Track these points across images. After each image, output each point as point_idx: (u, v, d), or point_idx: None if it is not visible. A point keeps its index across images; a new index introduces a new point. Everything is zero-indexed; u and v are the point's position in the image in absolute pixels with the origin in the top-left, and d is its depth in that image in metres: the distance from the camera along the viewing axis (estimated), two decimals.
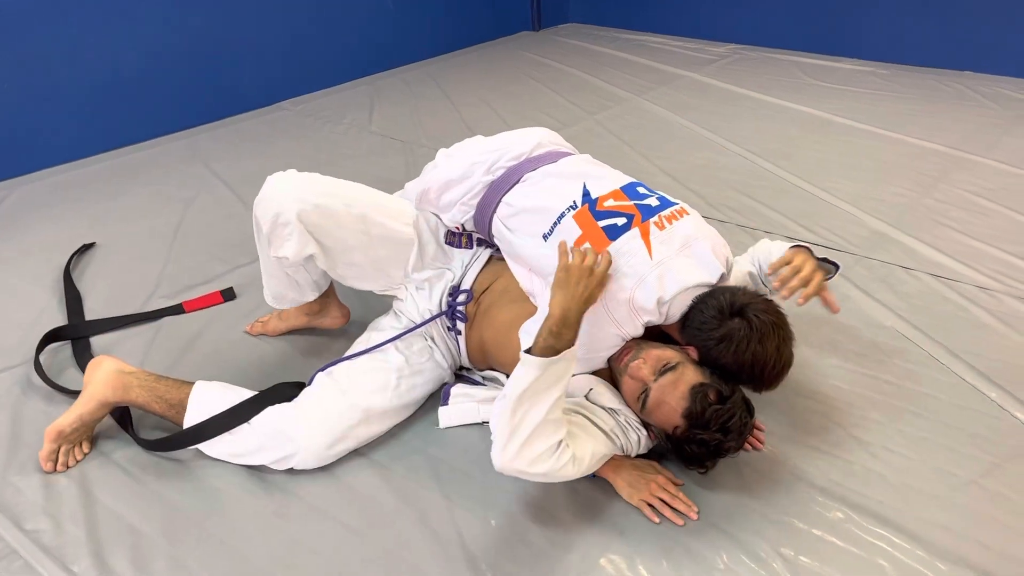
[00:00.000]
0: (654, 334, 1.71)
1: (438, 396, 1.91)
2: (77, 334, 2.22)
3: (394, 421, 1.85)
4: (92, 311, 2.36)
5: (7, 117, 3.25)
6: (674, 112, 3.94)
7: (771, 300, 1.66)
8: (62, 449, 1.74)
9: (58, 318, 2.33)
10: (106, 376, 1.79)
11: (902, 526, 1.56)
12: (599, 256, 1.59)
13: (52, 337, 2.18)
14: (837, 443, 1.78)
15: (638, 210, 1.71)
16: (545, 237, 1.74)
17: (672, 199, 1.78)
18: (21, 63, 3.23)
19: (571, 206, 1.74)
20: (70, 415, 1.75)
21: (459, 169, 1.92)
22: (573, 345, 1.50)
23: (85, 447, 1.79)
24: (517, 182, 1.84)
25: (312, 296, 2.06)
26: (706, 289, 1.64)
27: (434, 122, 3.89)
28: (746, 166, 3.28)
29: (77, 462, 1.77)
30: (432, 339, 1.94)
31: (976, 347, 2.08)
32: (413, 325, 1.93)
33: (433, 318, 1.91)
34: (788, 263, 1.74)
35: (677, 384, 1.55)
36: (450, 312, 1.91)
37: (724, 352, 1.56)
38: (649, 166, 3.29)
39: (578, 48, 5.23)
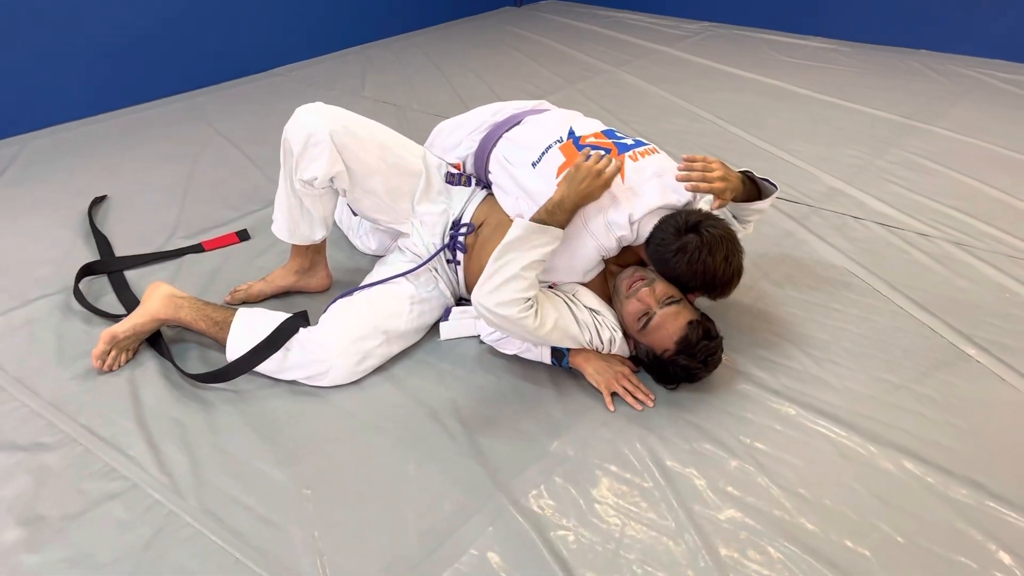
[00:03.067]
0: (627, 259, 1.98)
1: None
2: (110, 268, 2.43)
3: (409, 342, 2.09)
4: (117, 250, 2.57)
5: (21, 74, 3.42)
6: (650, 83, 4.19)
7: (722, 219, 1.91)
8: (112, 353, 1.97)
9: (86, 255, 2.53)
10: (161, 296, 2.05)
11: (842, 419, 1.83)
12: (611, 161, 1.89)
13: (86, 271, 2.38)
14: (789, 356, 2.05)
15: (616, 146, 2.00)
16: (534, 165, 2.02)
17: (645, 140, 2.05)
18: (38, 24, 3.39)
19: (558, 140, 2.04)
20: (125, 324, 1.99)
21: (468, 115, 2.26)
22: (562, 228, 1.82)
23: (130, 354, 2.02)
24: (518, 123, 2.14)
25: (321, 234, 2.20)
26: (670, 211, 1.90)
27: (425, 88, 4.11)
28: (716, 131, 3.54)
29: (120, 366, 2.00)
30: (436, 270, 2.17)
31: (914, 282, 2.36)
32: (420, 260, 2.15)
33: (438, 251, 2.14)
34: (702, 160, 1.94)
35: (679, 316, 1.82)
36: (451, 244, 2.15)
37: (680, 262, 1.82)
38: (626, 129, 3.54)
39: (558, 23, 5.46)
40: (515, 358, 2.02)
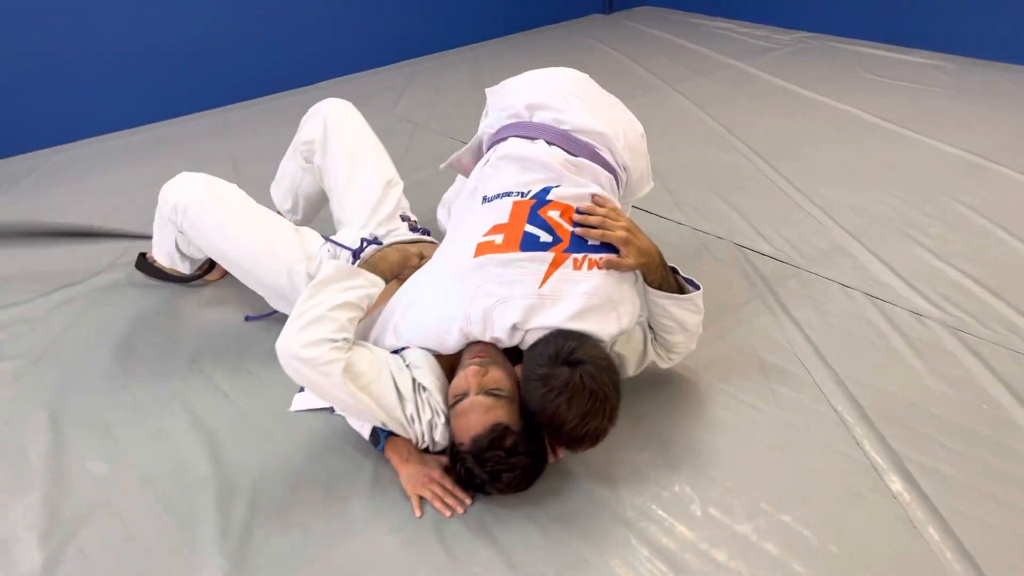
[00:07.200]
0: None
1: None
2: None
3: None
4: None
5: (40, 89, 3.55)
6: (698, 104, 3.79)
7: (613, 373, 1.57)
8: None
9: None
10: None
11: (690, 568, 1.49)
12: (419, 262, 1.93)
13: None
14: (662, 477, 1.69)
15: (571, 239, 1.66)
16: (485, 199, 1.76)
17: (608, 249, 1.68)
18: (55, 34, 3.51)
19: (522, 193, 1.73)
20: None
21: (525, 83, 2.03)
22: (382, 281, 1.76)
23: None
24: (531, 137, 1.84)
25: (286, 206, 2.50)
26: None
27: (447, 108, 3.93)
28: (740, 166, 3.13)
29: None
30: None
31: (869, 378, 1.92)
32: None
33: (350, 249, 2.09)
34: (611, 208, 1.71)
35: (489, 412, 1.54)
36: (358, 250, 2.09)
37: (535, 390, 1.52)
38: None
39: (638, 33, 5.11)
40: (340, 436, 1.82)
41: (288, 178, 2.48)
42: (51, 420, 1.93)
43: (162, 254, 2.38)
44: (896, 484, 1.63)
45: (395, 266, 1.90)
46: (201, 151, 3.54)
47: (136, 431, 1.89)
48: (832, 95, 3.79)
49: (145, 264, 2.46)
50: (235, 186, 2.23)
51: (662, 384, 1.93)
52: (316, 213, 2.54)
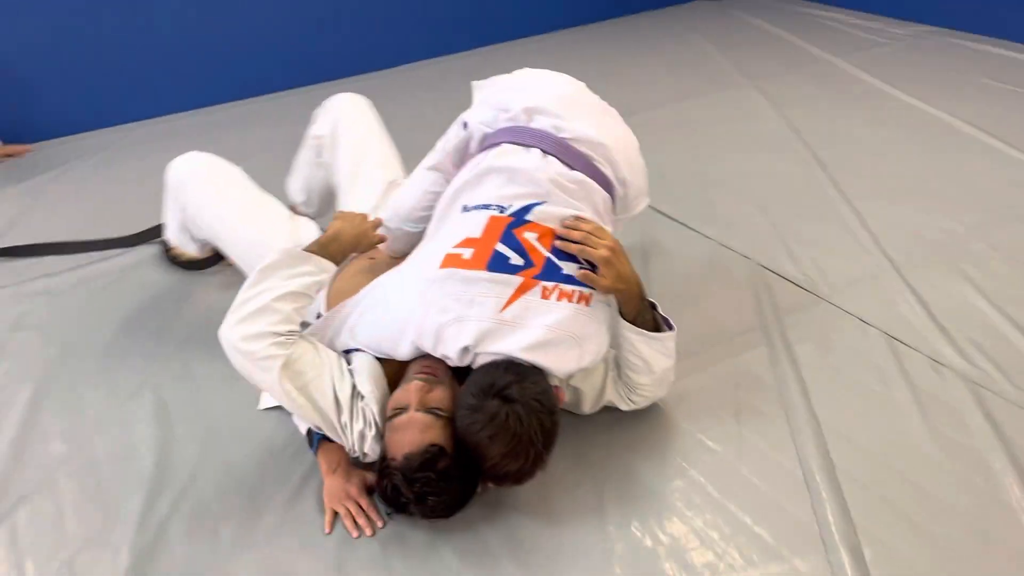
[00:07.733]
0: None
1: None
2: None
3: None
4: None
5: (121, 65, 3.72)
6: (776, 105, 3.50)
7: (548, 417, 1.45)
8: None
9: None
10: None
11: None
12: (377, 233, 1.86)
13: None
14: (587, 508, 1.58)
15: (545, 266, 1.56)
16: (465, 208, 1.68)
17: (585, 279, 1.58)
18: (138, 13, 3.67)
19: (502, 208, 1.63)
20: None
21: (524, 81, 1.93)
22: (334, 263, 1.70)
23: None
24: (526, 145, 1.72)
25: (299, 199, 2.52)
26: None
27: None
28: (796, 176, 2.87)
29: None
30: None
31: (855, 432, 1.71)
32: None
33: None
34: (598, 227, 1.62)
35: (426, 431, 1.47)
36: None
37: (463, 418, 1.46)
38: (688, 165, 3.00)
39: (740, 22, 4.80)
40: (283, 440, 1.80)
41: (301, 171, 2.51)
42: (33, 394, 2.01)
43: (172, 232, 2.44)
44: (843, 566, 1.43)
45: (347, 247, 1.75)
46: (259, 134, 3.57)
47: (104, 415, 1.94)
48: (929, 99, 3.41)
49: (168, 255, 2.52)
50: (239, 169, 2.27)
51: (622, 415, 1.79)
52: (329, 207, 2.53)
